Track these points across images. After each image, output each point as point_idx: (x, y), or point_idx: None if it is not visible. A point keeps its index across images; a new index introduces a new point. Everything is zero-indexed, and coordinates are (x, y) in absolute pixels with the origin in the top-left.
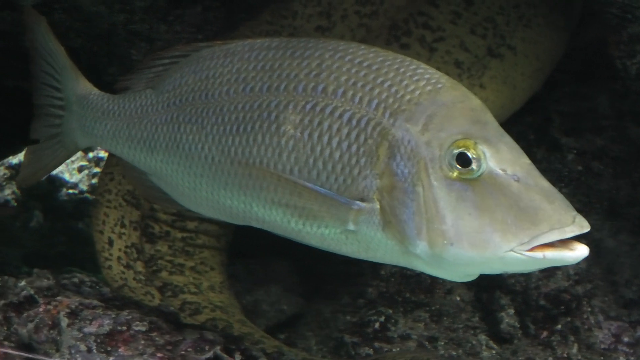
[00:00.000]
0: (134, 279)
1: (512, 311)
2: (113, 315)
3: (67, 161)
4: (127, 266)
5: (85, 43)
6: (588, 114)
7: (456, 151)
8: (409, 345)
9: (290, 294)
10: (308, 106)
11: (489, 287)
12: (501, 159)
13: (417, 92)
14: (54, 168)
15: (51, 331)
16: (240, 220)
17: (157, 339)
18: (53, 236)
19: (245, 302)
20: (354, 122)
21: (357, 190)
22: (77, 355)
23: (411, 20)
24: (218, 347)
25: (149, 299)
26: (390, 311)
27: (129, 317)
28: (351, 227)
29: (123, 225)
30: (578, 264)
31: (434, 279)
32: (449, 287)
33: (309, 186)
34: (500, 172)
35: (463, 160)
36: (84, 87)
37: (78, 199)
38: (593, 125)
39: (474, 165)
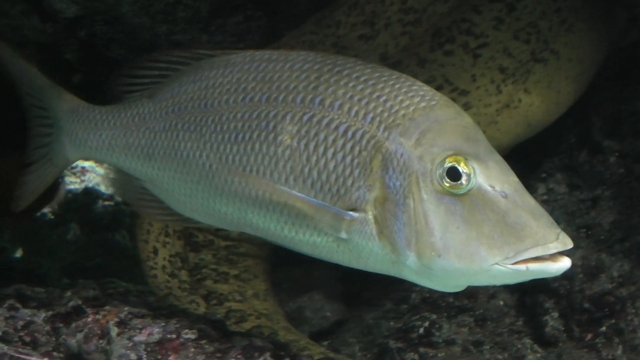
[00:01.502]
0: (179, 287)
1: (556, 314)
2: (162, 324)
3: (102, 173)
4: (172, 275)
5: (127, 54)
6: (629, 116)
7: (447, 165)
8: (454, 350)
9: (332, 300)
10: (305, 117)
11: (532, 291)
12: (490, 175)
13: (412, 108)
14: (45, 188)
15: (100, 341)
16: (235, 226)
17: (206, 346)
18: (90, 248)
19: (288, 309)
20: (349, 134)
21: (350, 200)
22: None
23: (454, 27)
24: (268, 354)
25: (194, 308)
26: (435, 316)
27: (178, 326)
28: (343, 235)
29: (167, 235)
30: (622, 266)
31: None
32: (492, 292)
33: (303, 197)
34: (489, 188)
35: (453, 174)
36: (70, 101)
37: (114, 211)
38: (634, 128)
39: (463, 180)
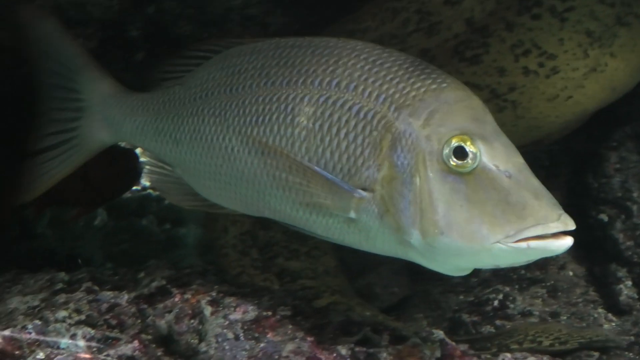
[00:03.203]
0: (252, 265)
1: (630, 283)
2: (255, 301)
3: None
4: (244, 253)
5: (196, 30)
6: None
7: (454, 145)
8: (531, 322)
9: (399, 276)
10: (322, 99)
11: (602, 261)
12: (495, 155)
13: (422, 90)
14: (68, 173)
15: (192, 321)
16: (255, 210)
17: (302, 322)
18: (117, 234)
19: (357, 285)
20: (362, 114)
21: (360, 179)
22: (225, 344)
23: None
24: (368, 328)
25: (268, 286)
26: (507, 289)
27: (271, 302)
28: (352, 215)
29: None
30: None
31: None
32: (562, 263)
33: (317, 170)
34: (493, 167)
35: (459, 153)
36: (112, 85)
37: (141, 196)
38: None
39: (469, 159)
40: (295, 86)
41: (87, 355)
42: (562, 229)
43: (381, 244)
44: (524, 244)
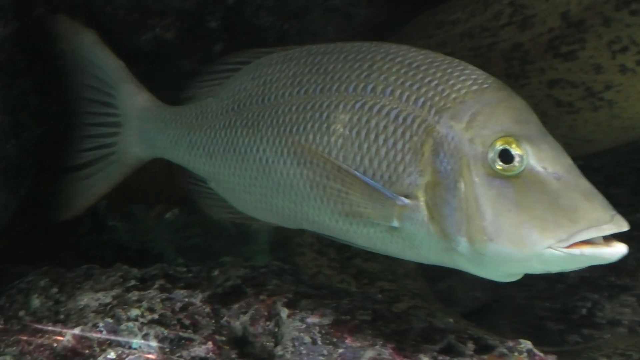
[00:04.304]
0: (329, 265)
1: None
2: (333, 305)
3: None
4: (321, 253)
5: (276, 22)
6: None
7: (499, 148)
8: (619, 331)
9: (482, 280)
10: (357, 105)
11: None
12: (542, 157)
13: (463, 91)
14: (107, 191)
15: (267, 323)
16: (292, 222)
17: (382, 328)
18: (188, 229)
19: (438, 289)
20: (401, 119)
21: (401, 187)
22: (302, 348)
23: None
24: (452, 336)
25: (346, 287)
26: (596, 296)
27: (350, 306)
28: (395, 223)
29: None
30: None
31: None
32: None
33: (357, 174)
34: (541, 169)
35: (505, 157)
36: (147, 99)
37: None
38: None
39: (515, 162)
40: (329, 93)
41: (160, 357)
42: (615, 230)
43: (426, 252)
44: (577, 251)
